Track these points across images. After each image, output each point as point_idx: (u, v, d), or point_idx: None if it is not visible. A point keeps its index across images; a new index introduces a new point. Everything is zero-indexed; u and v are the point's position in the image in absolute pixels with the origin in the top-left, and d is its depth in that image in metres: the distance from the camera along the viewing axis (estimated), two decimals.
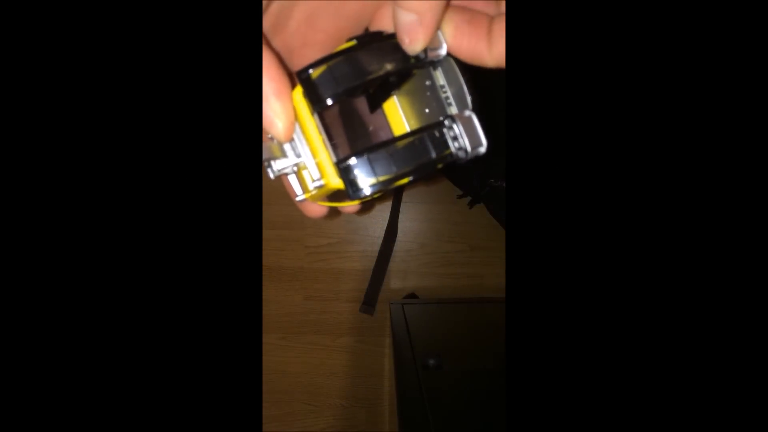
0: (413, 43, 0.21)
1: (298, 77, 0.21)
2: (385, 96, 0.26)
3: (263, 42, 0.21)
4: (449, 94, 0.23)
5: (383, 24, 0.23)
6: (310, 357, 1.13)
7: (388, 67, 0.22)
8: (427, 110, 0.25)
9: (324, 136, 0.22)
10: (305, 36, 0.24)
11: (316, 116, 0.22)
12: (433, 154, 0.22)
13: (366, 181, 0.21)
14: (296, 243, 1.13)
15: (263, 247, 1.11)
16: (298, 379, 1.13)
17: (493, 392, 0.65)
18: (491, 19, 0.21)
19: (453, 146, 0.22)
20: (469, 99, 0.23)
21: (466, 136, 0.22)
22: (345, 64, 0.21)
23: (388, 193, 1.04)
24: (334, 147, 0.23)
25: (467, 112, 0.23)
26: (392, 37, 0.22)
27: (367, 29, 0.24)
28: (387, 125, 0.27)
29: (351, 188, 0.21)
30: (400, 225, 1.10)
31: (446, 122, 0.22)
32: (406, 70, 0.22)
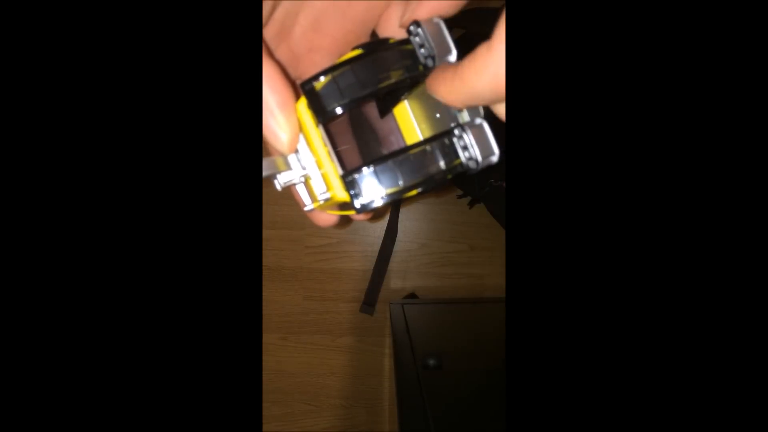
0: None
1: (301, 89, 0.21)
2: (396, 101, 0.25)
3: (265, 52, 0.20)
4: None
5: (390, 25, 0.23)
6: (310, 357, 1.14)
7: (395, 76, 0.21)
8: (438, 114, 0.24)
9: (329, 147, 0.22)
10: (312, 41, 0.23)
11: (321, 128, 0.21)
12: (443, 165, 0.21)
13: (372, 195, 0.21)
14: (296, 243, 1.13)
15: (263, 247, 1.11)
16: (298, 379, 1.13)
17: (493, 392, 0.65)
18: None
19: (463, 156, 0.21)
20: (480, 107, 0.22)
21: (477, 146, 0.21)
22: (350, 74, 0.20)
23: None
24: (343, 154, 0.22)
25: (478, 120, 0.22)
26: (399, 44, 0.21)
27: (374, 33, 0.24)
28: (397, 130, 0.26)
29: (357, 201, 0.21)
30: (400, 225, 1.10)
31: (456, 131, 0.21)
32: (414, 79, 0.21)
